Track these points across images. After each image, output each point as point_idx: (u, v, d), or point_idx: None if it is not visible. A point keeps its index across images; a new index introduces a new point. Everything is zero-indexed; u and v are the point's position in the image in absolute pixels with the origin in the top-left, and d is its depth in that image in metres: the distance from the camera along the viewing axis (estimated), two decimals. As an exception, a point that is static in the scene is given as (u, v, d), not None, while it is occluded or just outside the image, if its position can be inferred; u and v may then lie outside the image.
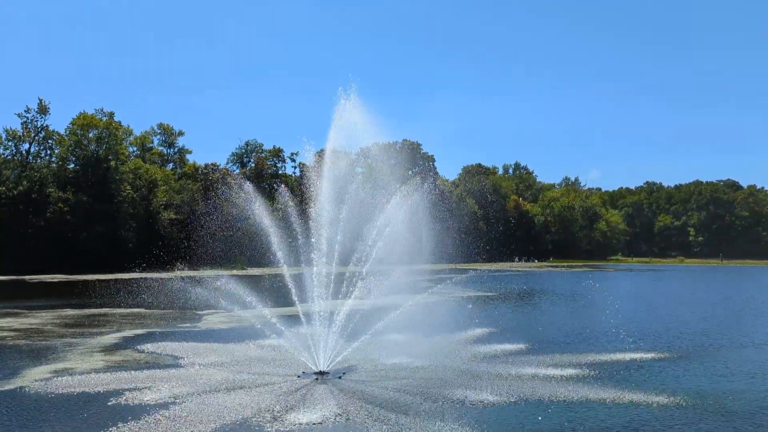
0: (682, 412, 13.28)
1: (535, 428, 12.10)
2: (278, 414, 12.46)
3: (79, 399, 13.83)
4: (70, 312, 31.71)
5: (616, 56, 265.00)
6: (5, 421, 12.29)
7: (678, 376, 17.18)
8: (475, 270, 74.08)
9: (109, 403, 13.35)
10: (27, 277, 63.63)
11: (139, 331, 24.77)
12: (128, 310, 32.62)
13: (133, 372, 16.60)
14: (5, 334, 23.98)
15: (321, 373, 16.33)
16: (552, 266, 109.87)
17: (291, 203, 20.94)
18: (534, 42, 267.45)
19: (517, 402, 13.86)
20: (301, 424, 11.83)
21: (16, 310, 32.42)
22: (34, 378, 15.95)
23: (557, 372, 17.03)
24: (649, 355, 19.99)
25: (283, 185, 21.71)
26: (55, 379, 15.82)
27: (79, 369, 17.21)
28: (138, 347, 20.71)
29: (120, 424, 11.74)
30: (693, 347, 21.97)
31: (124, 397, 13.76)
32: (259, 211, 20.35)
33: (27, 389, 14.75)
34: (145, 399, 13.59)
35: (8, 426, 12.01)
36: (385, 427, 11.70)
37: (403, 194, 20.44)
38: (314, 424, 11.87)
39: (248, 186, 22.56)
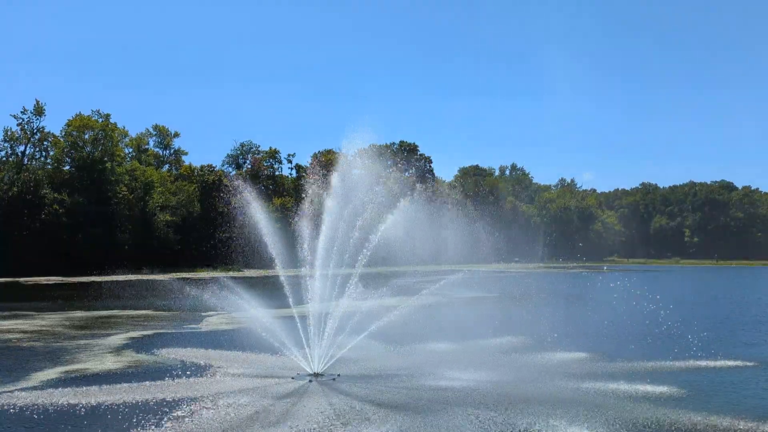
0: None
1: None
2: (270, 416, 12.35)
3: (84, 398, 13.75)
4: (78, 314, 31.67)
5: (614, 57, 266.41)
6: (20, 420, 12.18)
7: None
8: (474, 270, 73.97)
9: (113, 404, 13.27)
10: (22, 279, 63.17)
11: (147, 332, 24.89)
12: (135, 312, 32.70)
13: (136, 374, 16.60)
14: (17, 335, 23.96)
15: (315, 374, 16.24)
16: (548, 267, 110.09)
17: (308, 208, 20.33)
18: (532, 43, 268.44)
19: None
20: (292, 425, 11.69)
21: (22, 312, 32.27)
22: (47, 378, 16.00)
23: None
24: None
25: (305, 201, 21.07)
26: (67, 380, 15.76)
27: (92, 370, 17.21)
28: (144, 348, 20.76)
29: (120, 426, 11.72)
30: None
31: (125, 399, 13.70)
32: (255, 213, 20.14)
33: (43, 389, 14.68)
34: (143, 401, 13.48)
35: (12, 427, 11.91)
36: (377, 428, 11.57)
37: (400, 195, 20.18)
38: (306, 425, 11.70)
39: (245, 188, 22.30)
